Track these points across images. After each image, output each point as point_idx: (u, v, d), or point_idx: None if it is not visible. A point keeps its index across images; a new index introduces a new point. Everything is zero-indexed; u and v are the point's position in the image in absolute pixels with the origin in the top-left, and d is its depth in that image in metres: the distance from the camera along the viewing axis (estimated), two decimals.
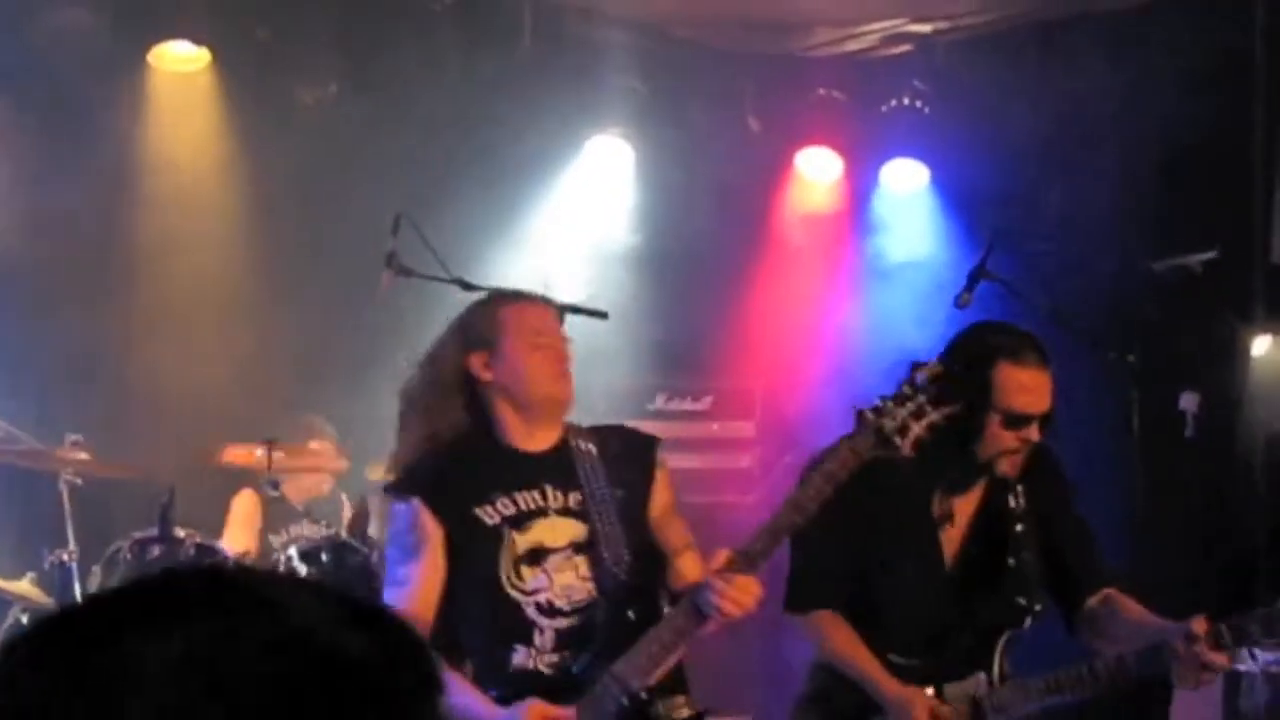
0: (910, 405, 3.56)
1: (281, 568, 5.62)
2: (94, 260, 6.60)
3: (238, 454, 6.06)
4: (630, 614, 3.66)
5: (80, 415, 6.02)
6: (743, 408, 7.49)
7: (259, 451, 5.94)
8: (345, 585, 5.60)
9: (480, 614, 3.69)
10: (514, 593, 3.65)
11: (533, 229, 7.52)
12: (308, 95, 6.89)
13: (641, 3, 7.23)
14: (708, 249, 7.54)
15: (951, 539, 3.98)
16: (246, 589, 1.15)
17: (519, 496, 3.71)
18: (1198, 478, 6.35)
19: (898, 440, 3.56)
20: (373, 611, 1.18)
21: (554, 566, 3.68)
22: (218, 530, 6.10)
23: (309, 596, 1.16)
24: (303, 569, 5.64)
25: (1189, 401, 5.89)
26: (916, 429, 3.56)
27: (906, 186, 7.72)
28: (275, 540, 5.99)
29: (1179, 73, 6.48)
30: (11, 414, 5.85)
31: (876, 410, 3.58)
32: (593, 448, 3.79)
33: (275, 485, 5.88)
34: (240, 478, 6.29)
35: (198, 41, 6.65)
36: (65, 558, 5.65)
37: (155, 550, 5.52)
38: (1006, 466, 3.89)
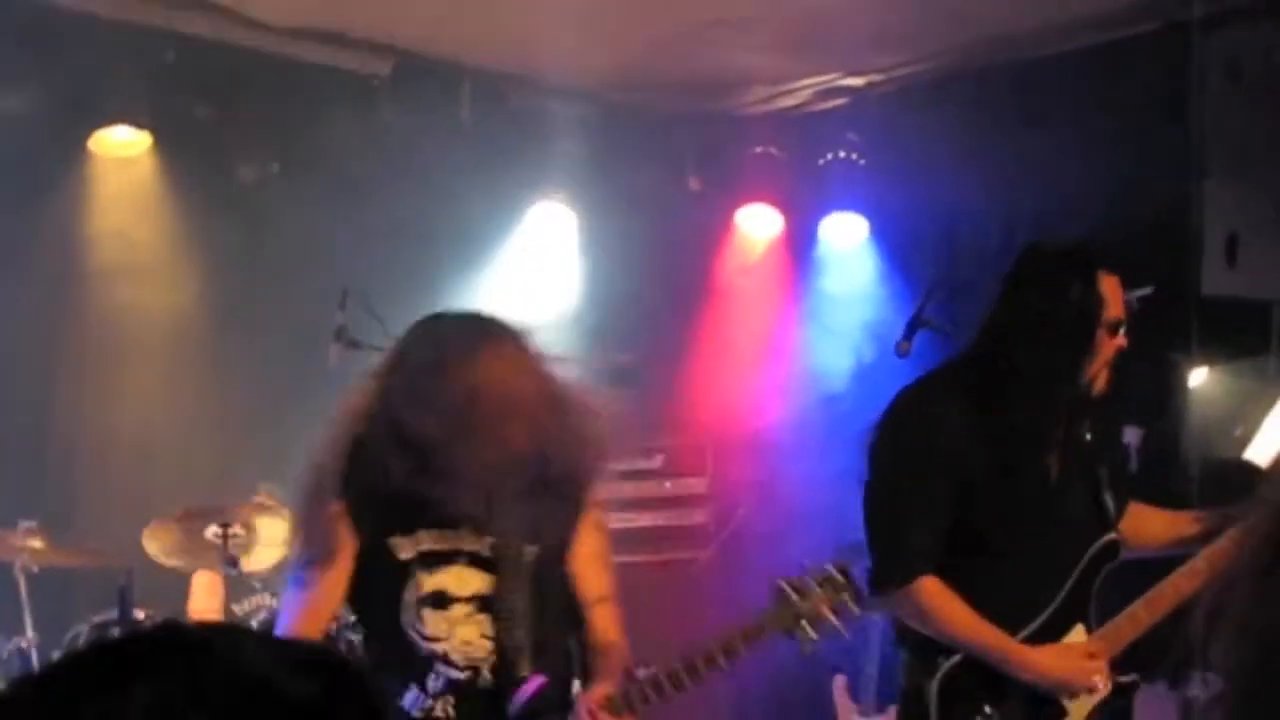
0: (828, 589, 3.32)
1: None
2: (41, 344, 6.60)
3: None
4: (526, 673, 3.45)
5: (32, 500, 6.01)
6: (694, 464, 7.52)
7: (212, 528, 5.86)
8: None
9: (376, 642, 3.53)
10: (414, 635, 3.44)
11: (479, 296, 7.55)
12: (249, 174, 6.93)
13: (578, 70, 7.31)
14: (652, 309, 7.59)
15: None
16: (199, 643, 1.19)
17: (437, 534, 3.49)
18: None
19: (806, 627, 3.30)
20: (317, 656, 1.23)
21: (456, 618, 3.46)
22: (179, 608, 6.07)
23: (256, 646, 1.21)
24: None
25: (1132, 436, 5.98)
26: (828, 617, 3.29)
27: (846, 239, 7.81)
28: (238, 609, 5.96)
29: (1113, 114, 6.58)
30: None
31: (794, 586, 3.33)
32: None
33: (234, 564, 5.85)
34: (199, 558, 6.24)
35: (138, 125, 6.67)
36: (24, 645, 5.64)
37: (115, 633, 5.50)
38: (1102, 383, 3.68)
